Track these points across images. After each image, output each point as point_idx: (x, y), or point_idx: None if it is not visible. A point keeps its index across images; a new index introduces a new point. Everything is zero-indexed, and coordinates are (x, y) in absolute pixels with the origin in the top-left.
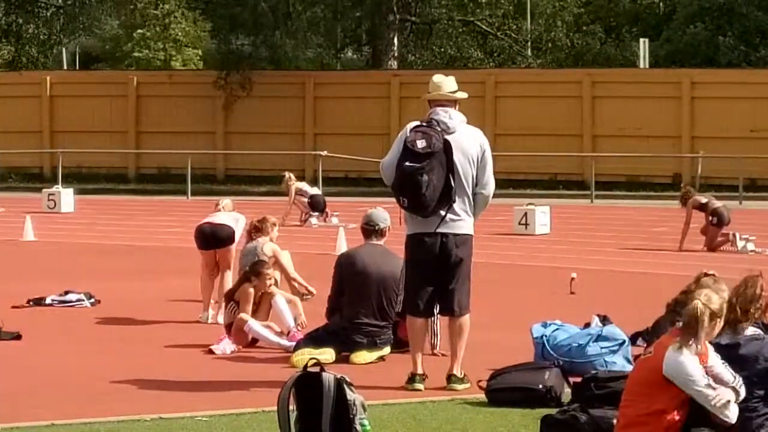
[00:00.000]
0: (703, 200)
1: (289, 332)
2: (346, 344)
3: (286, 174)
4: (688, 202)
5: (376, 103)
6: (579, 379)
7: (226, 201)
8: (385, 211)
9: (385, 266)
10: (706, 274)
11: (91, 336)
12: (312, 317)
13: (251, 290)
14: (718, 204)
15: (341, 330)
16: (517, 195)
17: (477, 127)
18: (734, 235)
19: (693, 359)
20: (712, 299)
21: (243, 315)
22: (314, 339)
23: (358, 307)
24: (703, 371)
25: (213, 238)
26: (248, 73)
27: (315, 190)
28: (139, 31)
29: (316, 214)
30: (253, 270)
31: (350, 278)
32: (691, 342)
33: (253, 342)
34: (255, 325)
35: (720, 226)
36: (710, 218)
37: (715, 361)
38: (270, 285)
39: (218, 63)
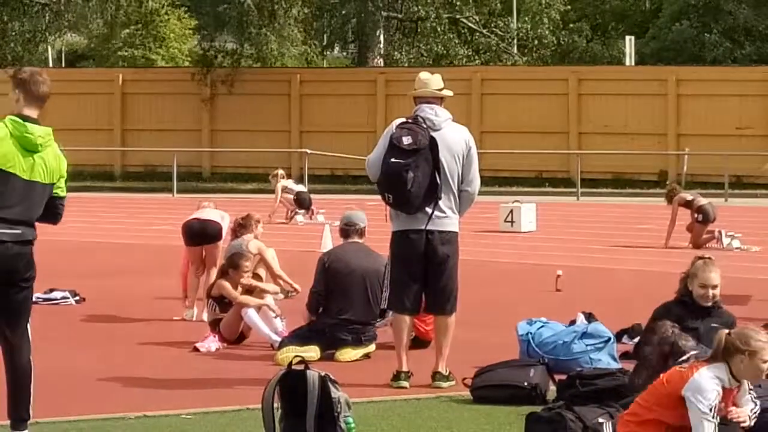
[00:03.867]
0: (689, 197)
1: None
2: (331, 341)
3: (279, 170)
4: (674, 200)
5: (362, 100)
6: (564, 377)
7: (207, 203)
8: (362, 212)
9: (370, 263)
10: (700, 258)
11: (76, 334)
12: (297, 314)
13: (226, 284)
14: (703, 201)
15: (326, 327)
16: (503, 192)
17: (463, 124)
18: (720, 233)
19: (711, 382)
20: (742, 333)
21: (243, 298)
22: (299, 336)
23: (343, 304)
24: (715, 404)
25: (201, 234)
26: (230, 70)
27: (300, 188)
28: (126, 31)
29: (302, 211)
30: (231, 262)
31: (335, 276)
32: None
33: (239, 339)
34: (253, 314)
35: (705, 224)
36: (696, 215)
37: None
38: (249, 277)
39: (200, 60)
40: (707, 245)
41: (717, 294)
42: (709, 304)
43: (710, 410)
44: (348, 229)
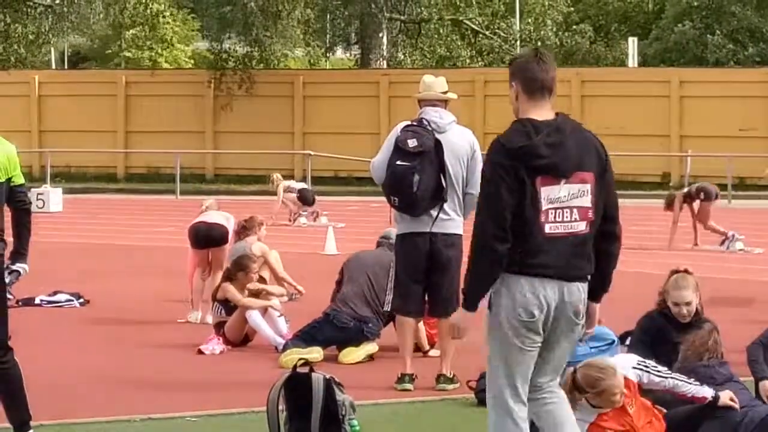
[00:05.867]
0: (684, 191)
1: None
2: (334, 326)
3: (273, 174)
4: (675, 200)
5: (366, 102)
6: None
7: (210, 201)
8: None
9: (380, 257)
10: (676, 271)
11: (80, 336)
12: (301, 317)
13: (230, 287)
14: (699, 183)
15: (331, 312)
16: None
17: (466, 126)
18: (733, 235)
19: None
20: (588, 375)
21: (247, 300)
22: (304, 333)
23: (348, 287)
24: None
25: (208, 238)
26: (246, 73)
27: (302, 185)
28: (131, 32)
29: (305, 213)
30: (239, 265)
31: (348, 266)
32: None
33: (244, 341)
34: (256, 316)
35: (709, 200)
36: (699, 195)
37: None
38: (255, 280)
39: (210, 63)
40: (714, 228)
41: (692, 310)
42: (687, 320)
43: None
44: (381, 242)
